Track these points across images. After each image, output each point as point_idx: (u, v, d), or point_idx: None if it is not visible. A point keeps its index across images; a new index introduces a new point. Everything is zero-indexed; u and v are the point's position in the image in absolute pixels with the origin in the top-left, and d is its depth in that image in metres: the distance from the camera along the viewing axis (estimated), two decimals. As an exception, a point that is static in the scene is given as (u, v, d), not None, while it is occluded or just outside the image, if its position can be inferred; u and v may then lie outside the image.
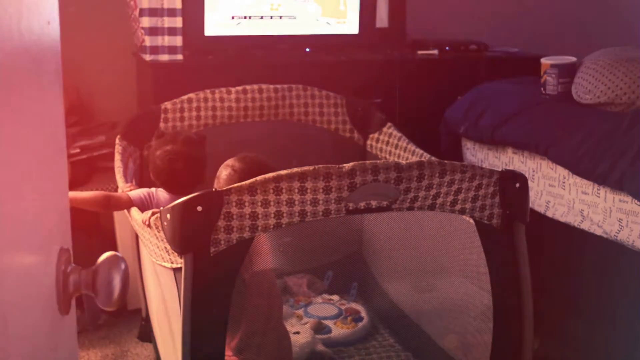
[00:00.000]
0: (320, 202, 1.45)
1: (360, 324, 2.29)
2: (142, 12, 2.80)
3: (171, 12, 2.81)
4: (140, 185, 2.17)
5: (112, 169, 2.23)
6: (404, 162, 1.48)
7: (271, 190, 1.44)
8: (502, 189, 1.60)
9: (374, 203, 1.50)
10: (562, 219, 2.24)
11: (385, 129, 2.57)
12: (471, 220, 1.63)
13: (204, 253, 1.43)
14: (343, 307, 2.38)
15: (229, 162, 1.93)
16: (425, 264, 2.07)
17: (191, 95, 2.49)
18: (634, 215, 1.97)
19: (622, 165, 2.00)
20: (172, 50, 2.84)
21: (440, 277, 2.07)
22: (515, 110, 2.49)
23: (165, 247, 1.53)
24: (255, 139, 2.47)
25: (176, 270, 1.53)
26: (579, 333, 2.24)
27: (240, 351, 1.73)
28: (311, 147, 2.58)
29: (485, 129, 2.55)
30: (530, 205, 1.81)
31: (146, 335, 2.44)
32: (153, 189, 2.06)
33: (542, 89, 2.57)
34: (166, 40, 2.83)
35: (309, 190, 1.44)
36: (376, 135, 2.60)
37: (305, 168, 1.44)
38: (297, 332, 2.14)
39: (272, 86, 2.58)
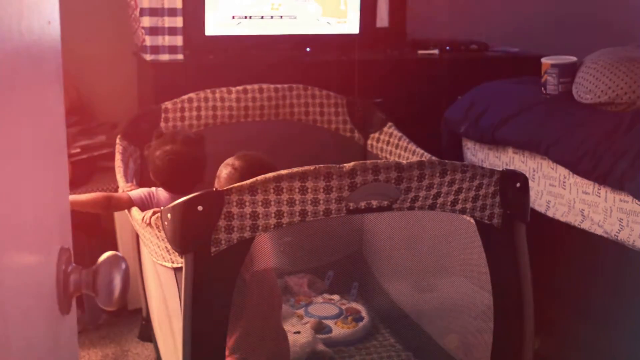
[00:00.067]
0: (321, 201, 1.45)
1: (361, 324, 2.29)
2: (142, 12, 2.80)
3: (172, 12, 2.81)
4: (141, 184, 2.17)
5: (113, 169, 2.23)
6: (404, 161, 1.48)
7: (272, 190, 1.44)
8: (503, 189, 1.60)
9: (374, 203, 1.50)
10: (563, 219, 2.24)
11: (385, 129, 2.57)
12: (472, 220, 1.63)
13: (204, 253, 1.43)
14: (344, 307, 2.38)
15: (229, 160, 1.93)
16: (425, 263, 2.07)
17: (192, 95, 2.49)
18: (635, 215, 1.97)
19: (623, 165, 2.00)
20: (172, 50, 2.85)
21: (441, 277, 2.07)
22: (516, 110, 2.49)
23: (166, 247, 1.53)
24: (256, 139, 2.47)
25: (177, 270, 1.53)
26: (579, 333, 2.24)
27: (236, 350, 1.73)
28: (312, 147, 2.58)
29: (485, 128, 2.55)
30: (531, 205, 1.81)
31: (147, 335, 2.44)
32: (153, 189, 2.06)
33: (542, 88, 2.56)
34: (167, 40, 2.83)
35: (309, 190, 1.44)
36: (377, 135, 2.60)
37: (306, 168, 1.44)
38: (298, 332, 2.14)
39: (272, 86, 2.58)
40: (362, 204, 1.49)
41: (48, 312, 0.80)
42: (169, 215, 1.45)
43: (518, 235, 1.66)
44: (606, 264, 2.15)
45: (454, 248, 1.92)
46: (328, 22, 3.15)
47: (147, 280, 2.18)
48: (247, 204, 1.43)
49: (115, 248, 2.40)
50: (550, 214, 2.29)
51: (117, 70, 3.12)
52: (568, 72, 2.50)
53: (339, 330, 2.25)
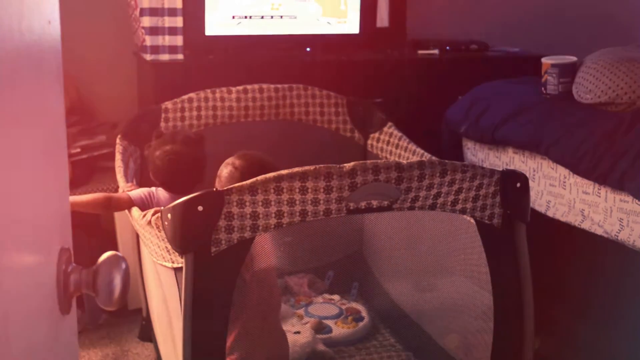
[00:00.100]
0: (321, 201, 1.45)
1: (361, 324, 2.29)
2: (142, 12, 2.80)
3: (172, 12, 2.81)
4: (141, 184, 2.17)
5: (113, 169, 2.23)
6: (404, 161, 1.48)
7: (272, 190, 1.44)
8: (503, 189, 1.60)
9: (374, 203, 1.50)
10: (563, 219, 2.24)
11: (386, 129, 2.57)
12: (472, 220, 1.63)
13: (204, 253, 1.43)
14: (344, 307, 2.38)
15: (230, 160, 1.93)
16: (426, 263, 2.07)
17: (192, 94, 2.49)
18: (635, 215, 1.97)
19: (623, 165, 2.00)
20: (172, 49, 2.85)
21: (441, 277, 2.07)
22: (516, 110, 2.49)
23: (166, 247, 1.53)
24: (256, 139, 2.47)
25: (177, 270, 1.53)
26: (580, 333, 2.24)
27: (234, 350, 1.73)
28: (312, 147, 2.58)
29: (485, 128, 2.55)
30: (531, 205, 1.81)
31: (147, 335, 2.44)
32: (153, 189, 2.06)
33: (542, 88, 2.56)
34: (167, 40, 2.83)
35: (309, 190, 1.44)
36: (377, 135, 2.60)
37: (306, 168, 1.44)
38: (298, 332, 2.14)
39: (272, 86, 2.58)
40: (363, 204, 1.49)
41: (48, 312, 0.79)
42: (169, 215, 1.45)
43: (518, 235, 1.66)
44: (606, 264, 2.15)
45: (454, 248, 1.92)
46: (328, 22, 3.15)
47: (147, 280, 2.18)
48: (248, 204, 1.43)
49: (116, 248, 2.40)
50: (550, 214, 2.29)
51: (117, 70, 3.13)
52: (568, 72, 2.50)
53: (339, 330, 2.25)
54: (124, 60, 3.10)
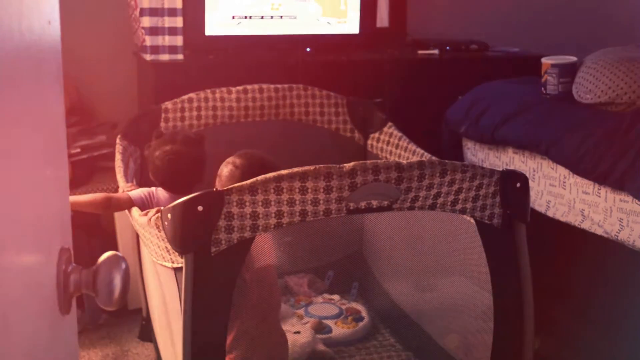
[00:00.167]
0: (321, 201, 1.45)
1: (361, 324, 2.29)
2: (142, 12, 2.80)
3: (172, 12, 2.81)
4: (141, 184, 2.17)
5: (113, 169, 2.23)
6: (404, 161, 1.48)
7: (272, 190, 1.44)
8: (503, 189, 1.60)
9: (374, 203, 1.50)
10: (563, 219, 2.24)
11: (386, 129, 2.57)
12: (472, 220, 1.63)
13: (204, 253, 1.43)
14: (344, 307, 2.38)
15: (230, 159, 1.93)
16: (426, 263, 2.08)
17: (192, 95, 2.49)
18: (635, 215, 1.97)
19: (623, 165, 2.00)
20: (172, 50, 2.85)
21: (441, 277, 2.07)
22: (516, 110, 2.49)
23: (166, 247, 1.53)
24: (256, 139, 2.47)
25: (177, 270, 1.53)
26: (580, 332, 2.24)
27: (233, 349, 1.73)
28: (312, 147, 2.58)
29: (485, 128, 2.55)
30: (531, 205, 1.81)
31: (147, 335, 2.44)
32: (153, 189, 2.06)
33: (542, 88, 2.56)
34: (167, 40, 2.83)
35: (309, 190, 1.44)
36: (377, 135, 2.60)
37: (306, 168, 1.44)
38: (298, 332, 2.14)
39: (272, 86, 2.58)
40: (362, 204, 1.49)
41: (48, 312, 0.79)
42: (169, 215, 1.45)
43: (518, 235, 1.65)
44: (606, 264, 2.15)
45: (454, 248, 1.92)
46: (328, 22, 3.15)
47: (147, 280, 2.18)
48: (247, 204, 1.43)
49: (116, 248, 2.40)
50: (550, 214, 2.29)
51: (117, 70, 3.13)
52: (568, 72, 2.50)
53: (339, 330, 2.25)
54: (124, 60, 3.10)
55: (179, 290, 1.53)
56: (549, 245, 2.25)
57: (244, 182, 1.44)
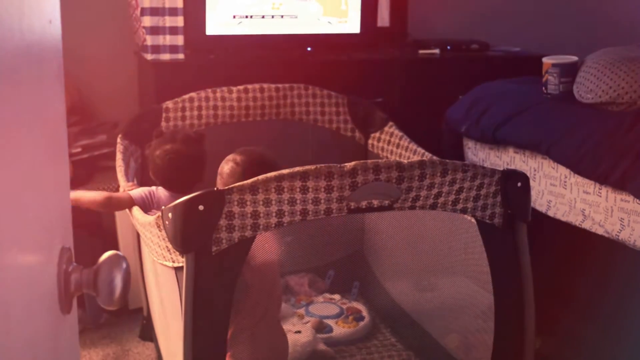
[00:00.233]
0: (322, 201, 1.45)
1: (362, 323, 2.29)
2: (143, 12, 2.80)
3: (172, 12, 2.81)
4: (141, 184, 2.18)
5: (114, 168, 2.23)
6: (405, 161, 1.48)
7: (273, 189, 1.44)
8: (504, 189, 1.60)
9: (375, 202, 1.50)
10: (564, 219, 2.24)
11: (386, 128, 2.57)
12: (473, 220, 1.63)
13: (205, 252, 1.43)
14: (344, 307, 2.38)
15: (231, 156, 1.93)
16: (426, 263, 2.07)
17: (192, 94, 2.49)
18: (636, 214, 1.97)
19: (624, 164, 2.00)
20: (173, 49, 2.85)
21: (442, 277, 2.07)
22: (517, 110, 2.49)
23: (167, 246, 1.53)
24: (257, 138, 2.46)
25: (178, 270, 1.53)
26: (581, 332, 2.24)
27: (233, 347, 1.73)
28: (312, 147, 2.58)
29: (486, 128, 2.55)
30: (532, 204, 1.81)
31: (147, 334, 2.44)
32: (154, 188, 2.06)
33: (543, 88, 2.56)
34: (167, 40, 2.83)
35: (310, 189, 1.44)
36: (378, 134, 2.60)
37: (307, 167, 1.44)
38: (299, 332, 2.14)
39: (273, 85, 2.58)
40: (363, 204, 1.49)
41: (49, 312, 0.79)
42: (170, 214, 1.45)
43: (519, 235, 1.65)
44: (607, 263, 2.15)
45: (455, 248, 1.92)
46: (329, 22, 3.15)
47: (148, 280, 2.18)
48: (248, 203, 1.43)
49: (116, 247, 2.40)
50: (551, 213, 2.29)
51: (118, 69, 3.13)
52: (569, 72, 2.50)
53: (339, 329, 2.25)
54: (124, 59, 3.10)
55: (179, 290, 1.53)
56: (549, 245, 2.25)
57: (245, 182, 1.44)
